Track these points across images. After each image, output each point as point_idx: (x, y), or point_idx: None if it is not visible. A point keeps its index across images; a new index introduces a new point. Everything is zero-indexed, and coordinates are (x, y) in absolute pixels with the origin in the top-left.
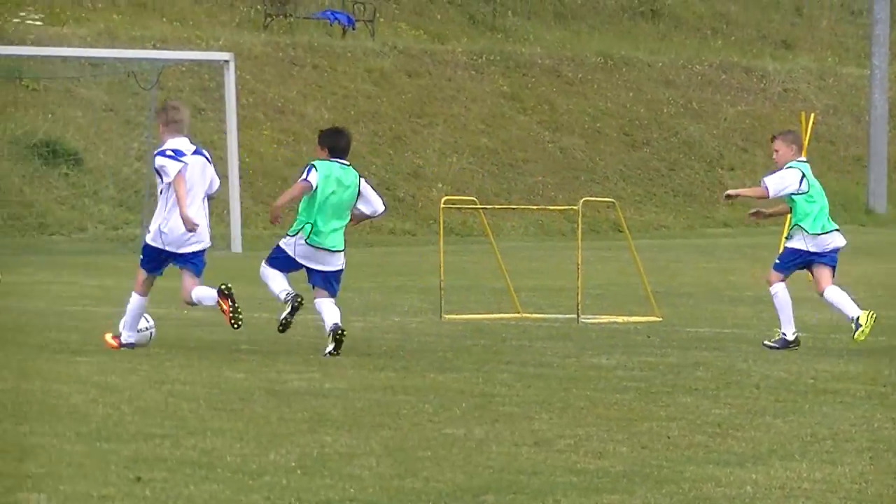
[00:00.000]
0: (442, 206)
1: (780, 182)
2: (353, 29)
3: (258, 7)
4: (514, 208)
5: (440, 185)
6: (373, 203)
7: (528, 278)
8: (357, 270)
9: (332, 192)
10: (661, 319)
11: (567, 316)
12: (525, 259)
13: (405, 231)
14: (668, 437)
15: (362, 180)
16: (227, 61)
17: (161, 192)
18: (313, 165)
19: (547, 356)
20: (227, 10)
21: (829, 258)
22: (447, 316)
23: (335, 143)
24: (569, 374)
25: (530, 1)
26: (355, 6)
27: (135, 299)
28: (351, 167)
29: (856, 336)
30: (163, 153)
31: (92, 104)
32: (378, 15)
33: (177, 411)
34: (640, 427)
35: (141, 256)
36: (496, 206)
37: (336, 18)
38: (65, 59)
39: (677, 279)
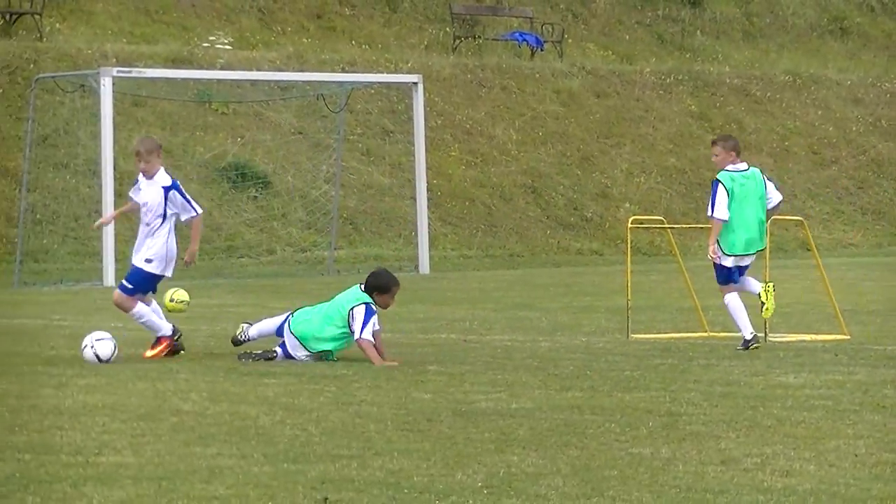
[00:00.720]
0: (629, 225)
1: None
2: (542, 50)
3: (447, 30)
4: (701, 227)
5: (627, 205)
6: None
7: (715, 297)
8: (544, 290)
9: None
10: (848, 337)
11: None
12: (711, 278)
13: (592, 251)
14: (856, 455)
15: None
16: (415, 83)
17: (165, 221)
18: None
19: (734, 375)
20: (415, 33)
21: None
22: (634, 335)
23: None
24: (756, 392)
25: (719, 21)
26: (543, 27)
27: (142, 309)
28: None
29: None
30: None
31: (281, 127)
32: (566, 36)
33: (364, 432)
34: (828, 445)
35: (131, 286)
36: (684, 226)
37: (524, 40)
38: (254, 82)
39: (865, 297)
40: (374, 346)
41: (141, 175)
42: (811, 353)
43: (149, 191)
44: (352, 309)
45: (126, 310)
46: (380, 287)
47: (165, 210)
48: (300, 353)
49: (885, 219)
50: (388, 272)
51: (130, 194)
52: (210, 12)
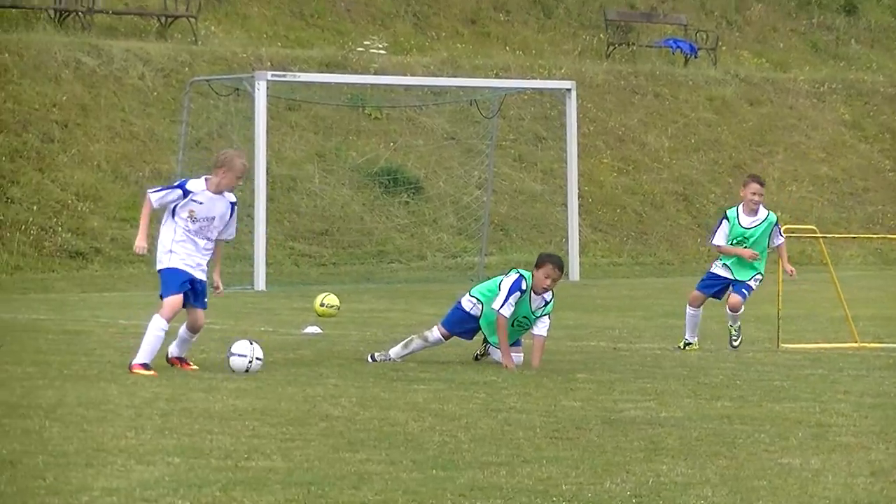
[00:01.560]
0: (782, 234)
1: None
2: (696, 57)
3: (601, 36)
4: (853, 237)
5: (780, 214)
6: None
7: (867, 307)
8: None
9: None
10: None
11: None
12: (864, 288)
13: None
14: None
15: None
16: (568, 90)
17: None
18: None
19: (885, 386)
20: (569, 39)
21: None
22: (784, 345)
23: None
24: None
25: (873, 29)
26: (698, 34)
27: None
28: None
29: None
30: None
31: (433, 132)
32: (720, 43)
33: (513, 439)
34: None
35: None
36: (836, 235)
37: (678, 47)
38: (408, 87)
39: None
40: (520, 348)
41: (207, 188)
42: None
43: (219, 205)
44: (501, 281)
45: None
46: (537, 262)
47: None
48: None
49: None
50: (553, 253)
51: (179, 206)
52: (365, 17)
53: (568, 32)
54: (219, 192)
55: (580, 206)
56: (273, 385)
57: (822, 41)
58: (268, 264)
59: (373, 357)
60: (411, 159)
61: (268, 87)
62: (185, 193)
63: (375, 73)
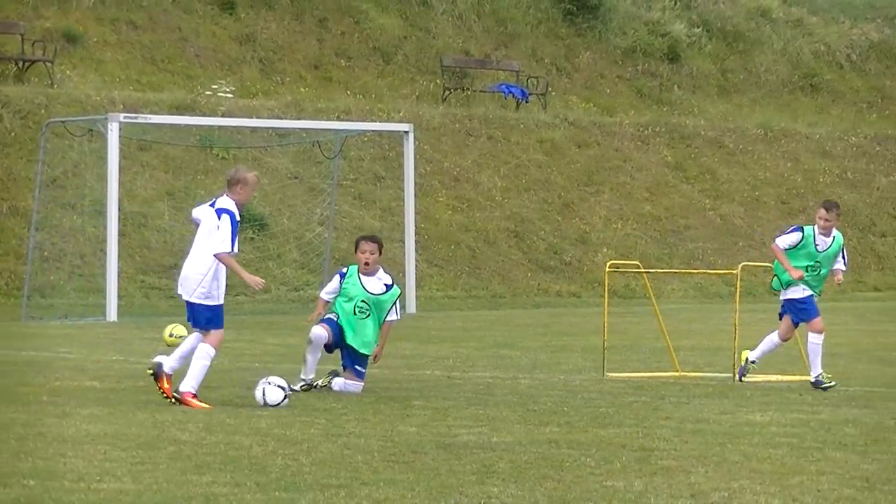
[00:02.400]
0: (607, 269)
1: None
2: (527, 102)
3: (437, 81)
4: (675, 272)
5: (605, 250)
6: None
7: (688, 338)
8: (524, 330)
9: None
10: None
11: (724, 374)
12: (685, 320)
13: (571, 293)
14: (819, 491)
15: None
16: (406, 132)
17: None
18: None
19: (704, 413)
20: (408, 84)
21: None
22: (610, 374)
23: None
24: (724, 429)
25: (695, 76)
26: (529, 80)
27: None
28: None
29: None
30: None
31: (278, 172)
32: (550, 89)
33: (352, 463)
34: (792, 481)
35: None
36: (659, 271)
37: (510, 92)
38: (254, 129)
39: (829, 340)
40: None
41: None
42: (777, 393)
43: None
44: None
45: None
46: (354, 248)
47: None
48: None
49: (849, 266)
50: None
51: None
52: (213, 62)
53: (406, 77)
54: (240, 208)
55: (417, 242)
56: (124, 411)
57: (646, 87)
58: (119, 297)
59: (291, 389)
60: (257, 198)
61: (120, 129)
62: (238, 224)
63: (223, 116)
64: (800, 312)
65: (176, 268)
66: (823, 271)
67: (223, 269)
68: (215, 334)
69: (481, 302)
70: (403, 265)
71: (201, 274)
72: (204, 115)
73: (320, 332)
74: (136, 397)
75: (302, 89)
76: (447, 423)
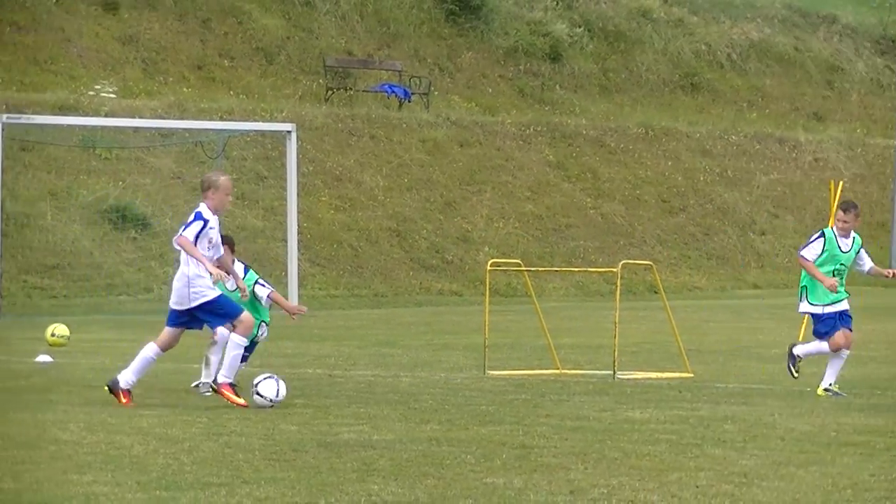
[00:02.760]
0: (488, 268)
1: None
2: (409, 101)
3: (320, 81)
4: (556, 270)
5: (487, 249)
6: None
7: (568, 336)
8: (406, 329)
9: None
10: (692, 375)
11: (604, 372)
12: (565, 318)
13: (453, 292)
14: (697, 487)
15: None
16: (289, 132)
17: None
18: None
19: (584, 410)
20: (290, 84)
21: None
22: (490, 372)
23: None
24: (604, 426)
25: (577, 75)
26: (411, 80)
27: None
28: None
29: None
30: None
31: (160, 172)
32: (433, 88)
33: (233, 461)
34: (671, 477)
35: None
36: (540, 269)
37: (393, 92)
38: (136, 129)
39: (709, 338)
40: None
41: (212, 213)
42: (657, 390)
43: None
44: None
45: None
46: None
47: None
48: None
49: (728, 264)
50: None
51: (200, 237)
52: (96, 63)
53: (289, 78)
54: (217, 212)
55: (299, 241)
56: (5, 411)
57: (528, 87)
58: (2, 296)
59: (199, 386)
60: (139, 197)
61: (3, 129)
62: (204, 223)
63: (106, 116)
64: (820, 327)
65: (59, 268)
66: (846, 273)
67: (198, 265)
68: (244, 321)
69: (363, 301)
70: (286, 264)
71: (186, 276)
72: (87, 115)
73: (224, 332)
74: (18, 397)
75: (185, 89)
76: (328, 421)
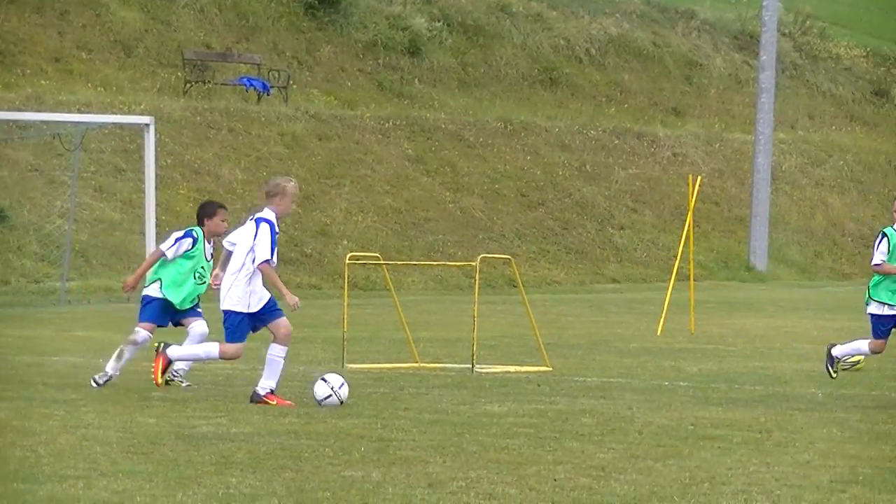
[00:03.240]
0: (347, 261)
1: None
2: (268, 95)
3: (179, 74)
4: (415, 264)
5: (346, 242)
6: None
7: (427, 330)
8: None
9: None
10: (551, 369)
11: (462, 365)
12: (424, 312)
13: (311, 285)
14: (555, 480)
15: None
16: (147, 124)
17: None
18: None
19: (442, 403)
20: (149, 77)
21: None
22: (349, 365)
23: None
24: (462, 420)
25: (435, 69)
26: (270, 73)
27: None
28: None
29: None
30: None
31: (18, 164)
32: (292, 82)
33: (90, 454)
34: (529, 470)
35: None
36: (398, 262)
37: (252, 85)
38: None
39: (567, 331)
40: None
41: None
42: (515, 384)
43: None
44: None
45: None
46: (207, 212)
47: None
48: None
49: (587, 258)
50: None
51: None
52: None
53: (147, 70)
54: (280, 219)
55: (157, 234)
56: None
57: (387, 81)
58: None
59: (95, 381)
60: None
61: None
62: (276, 234)
63: None
64: (880, 326)
65: None
66: None
67: (258, 279)
68: (283, 327)
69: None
70: (144, 257)
71: (235, 280)
72: None
73: (146, 335)
74: None
75: (42, 82)
76: (186, 414)
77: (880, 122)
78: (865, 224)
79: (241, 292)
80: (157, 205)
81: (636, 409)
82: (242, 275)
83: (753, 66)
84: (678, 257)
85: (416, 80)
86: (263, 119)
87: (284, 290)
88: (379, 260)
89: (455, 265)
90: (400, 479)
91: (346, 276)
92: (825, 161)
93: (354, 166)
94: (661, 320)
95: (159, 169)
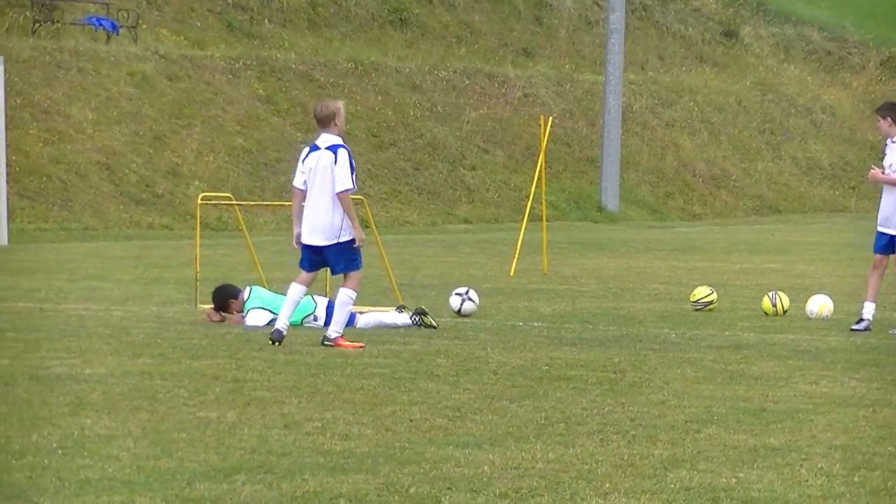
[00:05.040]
0: (199, 202)
1: None
2: (117, 34)
3: (27, 13)
4: (267, 205)
5: (197, 183)
6: None
7: (280, 271)
8: (116, 263)
9: None
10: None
11: None
12: (276, 252)
13: (163, 226)
14: (411, 421)
15: None
16: None
17: None
18: None
19: (297, 344)
20: None
21: None
22: (202, 306)
23: None
24: (317, 360)
25: (285, 10)
26: (119, 13)
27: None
28: None
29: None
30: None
31: None
32: (141, 21)
33: None
34: (385, 411)
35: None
36: (250, 203)
37: (101, 24)
38: None
39: (421, 272)
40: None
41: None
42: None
43: None
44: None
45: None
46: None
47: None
48: None
49: (439, 199)
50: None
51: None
52: None
53: None
54: None
55: (8, 174)
56: None
57: (236, 21)
58: None
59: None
60: None
61: None
62: (351, 158)
63: None
64: None
65: None
66: None
67: (343, 200)
68: (354, 276)
69: (73, 234)
70: None
71: (330, 214)
72: None
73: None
74: None
75: None
76: (39, 355)
77: (730, 63)
78: (716, 165)
79: (342, 222)
80: (7, 145)
81: (490, 350)
82: (335, 204)
83: (603, 7)
84: (530, 198)
85: (266, 21)
86: (113, 59)
87: (356, 223)
88: (231, 200)
89: None
90: (255, 419)
91: (198, 217)
92: (675, 102)
93: (205, 107)
94: (514, 261)
95: (8, 109)
